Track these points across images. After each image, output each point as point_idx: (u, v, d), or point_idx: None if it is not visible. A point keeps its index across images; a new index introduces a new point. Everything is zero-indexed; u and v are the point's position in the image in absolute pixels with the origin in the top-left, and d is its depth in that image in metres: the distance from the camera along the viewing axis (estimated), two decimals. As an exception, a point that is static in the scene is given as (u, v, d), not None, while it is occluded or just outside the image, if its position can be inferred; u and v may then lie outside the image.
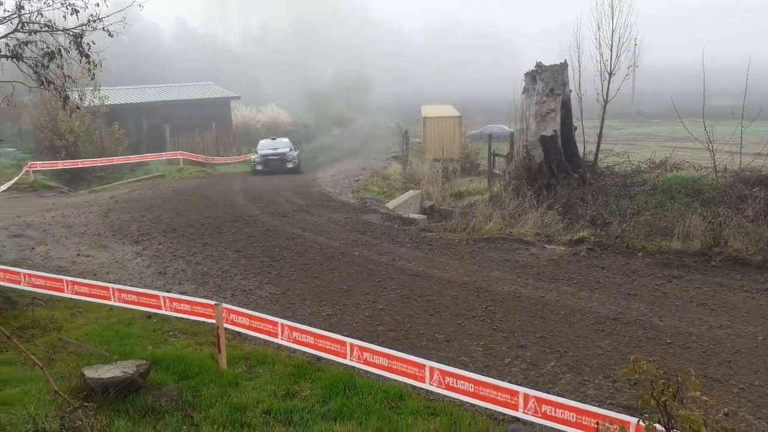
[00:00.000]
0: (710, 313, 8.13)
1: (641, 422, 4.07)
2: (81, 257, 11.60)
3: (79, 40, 8.09)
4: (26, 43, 7.94)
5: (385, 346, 6.03)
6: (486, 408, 5.40)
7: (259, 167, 27.64)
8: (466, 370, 5.82)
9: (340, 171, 26.10)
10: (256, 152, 28.79)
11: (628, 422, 4.53)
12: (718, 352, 6.91)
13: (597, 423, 4.56)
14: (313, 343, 6.21)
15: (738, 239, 10.35)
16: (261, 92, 60.35)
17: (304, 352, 6.46)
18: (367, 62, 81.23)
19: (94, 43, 8.21)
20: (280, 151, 28.32)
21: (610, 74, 17.13)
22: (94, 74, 8.47)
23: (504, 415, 5.36)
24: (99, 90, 26.23)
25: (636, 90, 51.71)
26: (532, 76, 17.47)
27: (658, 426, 4.00)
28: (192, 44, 76.39)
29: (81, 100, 22.24)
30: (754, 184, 12.88)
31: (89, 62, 8.17)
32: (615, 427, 4.29)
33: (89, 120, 26.99)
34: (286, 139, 31.27)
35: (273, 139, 30.94)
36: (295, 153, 28.80)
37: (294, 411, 5.41)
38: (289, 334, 6.31)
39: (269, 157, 27.83)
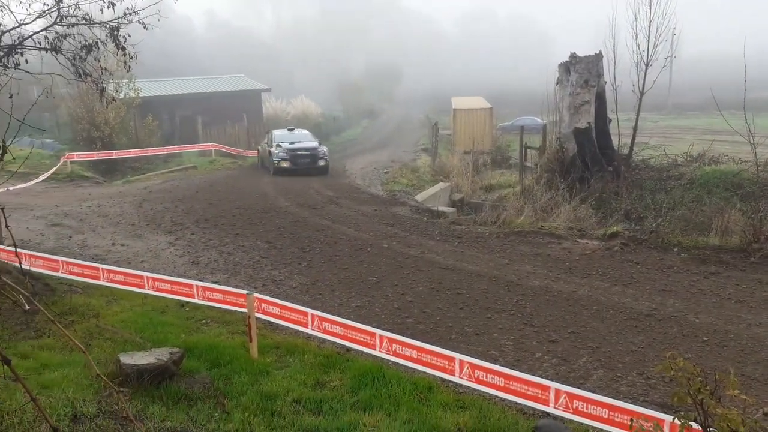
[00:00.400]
0: (749, 310, 7.90)
1: (677, 420, 3.97)
2: (116, 246, 11.87)
3: (115, 32, 8.23)
4: (65, 36, 8.13)
5: (413, 339, 6.03)
6: (516, 402, 5.37)
7: (285, 164, 22.47)
8: (496, 364, 5.78)
9: (369, 163, 26.10)
10: (275, 144, 23.49)
11: (663, 420, 4.43)
12: (756, 351, 6.71)
13: (631, 420, 4.48)
14: (342, 333, 6.25)
15: (779, 235, 10.01)
16: (292, 84, 60.74)
17: (333, 343, 6.50)
18: (398, 53, 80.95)
19: (129, 36, 8.35)
20: (309, 145, 23.49)
21: (647, 65, 16.70)
22: (129, 67, 8.61)
23: (534, 410, 5.29)
24: (134, 82, 26.72)
25: (673, 82, 50.36)
26: (566, 68, 17.15)
27: (694, 424, 3.90)
28: (224, 37, 77.20)
29: (116, 92, 22.70)
30: (797, 178, 12.44)
31: (125, 55, 8.32)
32: (650, 424, 4.19)
33: (124, 112, 27.55)
34: (306, 131, 26.36)
35: (291, 130, 25.85)
36: (325, 148, 24.16)
37: (323, 401, 5.45)
38: (319, 325, 6.36)
39: (298, 152, 22.83)
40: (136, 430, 4.52)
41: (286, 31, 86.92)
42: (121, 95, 25.54)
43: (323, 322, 6.31)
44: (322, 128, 42.60)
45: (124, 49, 8.31)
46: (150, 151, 28.42)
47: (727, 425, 3.76)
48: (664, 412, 4.87)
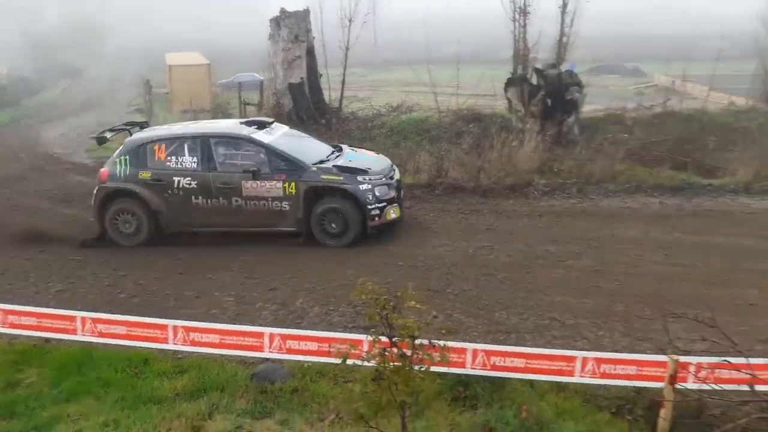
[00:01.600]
0: (434, 235, 9.34)
1: (369, 337, 4.56)
2: None
3: None
4: None
5: (129, 314, 5.69)
6: (236, 355, 5.51)
7: None
8: (217, 322, 5.84)
9: (71, 129, 23.03)
10: None
11: (361, 340, 5.01)
12: (437, 267, 8.03)
13: (329, 346, 5.00)
14: (36, 324, 5.57)
15: (456, 170, 11.93)
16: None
17: (27, 336, 5.76)
18: (101, 5, 71.83)
19: None
20: None
21: (350, 21, 17.92)
22: None
23: (253, 358, 5.51)
24: None
25: (378, 39, 54.97)
26: (277, 22, 17.41)
27: (383, 338, 4.51)
28: None
29: None
30: (469, 121, 14.92)
31: None
32: (345, 346, 4.69)
33: None
34: None
35: None
36: None
37: (17, 402, 4.86)
38: (3, 319, 5.56)
39: None
40: None
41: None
42: None
43: (8, 315, 5.53)
44: (7, 91, 35.94)
45: None
46: None
47: (406, 332, 4.44)
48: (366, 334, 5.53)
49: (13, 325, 5.57)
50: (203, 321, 5.78)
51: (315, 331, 5.59)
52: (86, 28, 65.63)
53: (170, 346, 5.44)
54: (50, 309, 5.69)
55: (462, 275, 7.76)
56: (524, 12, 18.02)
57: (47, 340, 5.85)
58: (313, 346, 5.32)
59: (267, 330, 5.41)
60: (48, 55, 53.96)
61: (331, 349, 4.83)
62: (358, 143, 14.64)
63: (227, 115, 24.37)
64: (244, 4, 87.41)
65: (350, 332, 6.10)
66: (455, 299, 7.10)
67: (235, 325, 5.64)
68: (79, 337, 5.48)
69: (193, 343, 5.41)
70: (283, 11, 17.81)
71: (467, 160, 12.05)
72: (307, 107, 16.90)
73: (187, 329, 5.42)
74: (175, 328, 5.43)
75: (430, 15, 17.10)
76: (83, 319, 5.51)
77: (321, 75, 18.23)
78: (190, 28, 73.32)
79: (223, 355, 5.58)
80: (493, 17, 19.45)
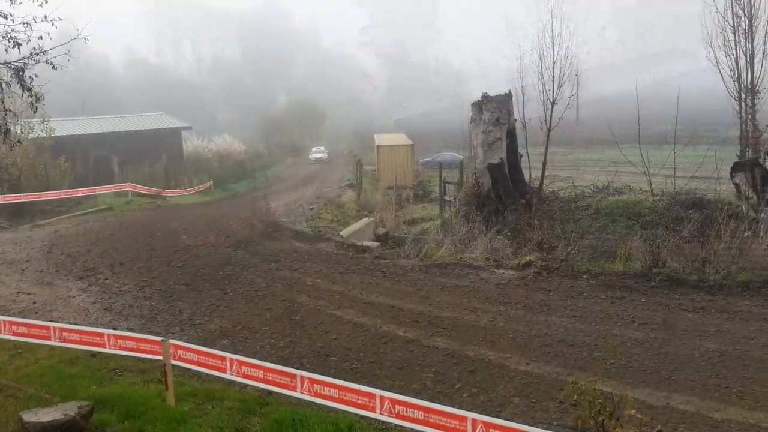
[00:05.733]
0: (651, 331, 8.47)
1: (580, 441, 4.22)
2: (22, 295, 11.15)
3: (20, 73, 7.94)
4: (-35, 77, 7.76)
5: (338, 378, 6.04)
6: (436, 435, 5.46)
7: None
8: (418, 398, 5.89)
9: (294, 200, 26.02)
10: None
11: (570, 442, 4.66)
12: (657, 371, 7.20)
13: (539, 444, 4.70)
14: (262, 377, 6.17)
15: (675, 260, 10.84)
16: (214, 122, 59.81)
17: (254, 387, 6.40)
18: (321, 91, 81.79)
19: (37, 76, 8.07)
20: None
21: (553, 103, 17.86)
22: (36, 108, 8.30)
23: (453, 440, 5.39)
24: (47, 122, 25.48)
25: (580, 117, 53.76)
26: (479, 107, 18.01)
27: (597, 444, 4.15)
28: (143, 74, 75.39)
29: (24, 133, 21.51)
30: (688, 206, 13.57)
31: (31, 96, 8.03)
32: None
33: (33, 153, 26.18)
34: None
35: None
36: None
37: (243, 447, 5.34)
38: (238, 369, 6.26)
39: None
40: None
41: (206, 69, 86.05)
42: (32, 135, 24.28)
43: (242, 366, 6.21)
44: (245, 165, 42.11)
45: (30, 89, 8.02)
46: (62, 193, 27.00)
47: (626, 444, 4.03)
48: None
49: (245, 376, 6.24)
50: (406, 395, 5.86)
51: (521, 425, 5.32)
52: (308, 112, 74.78)
53: (376, 415, 5.60)
54: (275, 365, 6.25)
55: (688, 383, 6.85)
56: (753, 91, 16.40)
57: (270, 392, 6.43)
58: (518, 438, 5.07)
59: (470, 415, 5.30)
60: (277, 134, 62.35)
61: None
62: (560, 224, 14.21)
63: (428, 193, 25.58)
64: (444, 87, 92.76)
65: (554, 429, 5.71)
66: (679, 416, 6.23)
67: (438, 405, 5.62)
68: (297, 394, 5.92)
69: (398, 416, 5.50)
70: (485, 96, 18.41)
71: (688, 249, 10.90)
72: (507, 187, 16.92)
73: (393, 401, 5.54)
74: (381, 398, 5.59)
75: (639, 92, 16.27)
76: (302, 377, 5.97)
77: (521, 155, 18.26)
78: (394, 110, 79.69)
79: (423, 433, 5.56)
80: (711, 95, 17.96)
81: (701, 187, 15.17)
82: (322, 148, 50.96)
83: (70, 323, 8.60)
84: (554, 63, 17.58)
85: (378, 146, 33.93)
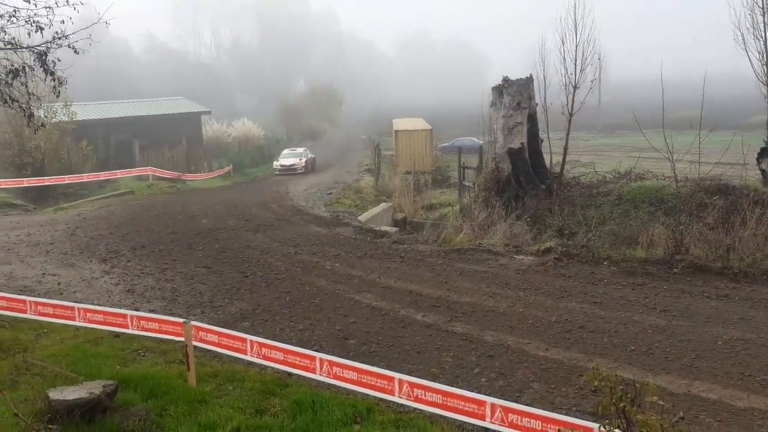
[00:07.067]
0: (672, 318, 8.37)
1: (602, 428, 4.19)
2: (47, 276, 11.37)
3: (43, 57, 8.02)
4: (-11, 61, 7.86)
5: (356, 361, 6.07)
6: (454, 419, 5.47)
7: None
8: (436, 381, 5.89)
9: (312, 185, 26.11)
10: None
11: (591, 428, 4.64)
12: (679, 357, 7.12)
13: (559, 430, 4.69)
14: (282, 358, 6.22)
15: (699, 247, 10.67)
16: (233, 106, 60.05)
17: (274, 368, 6.46)
18: (339, 76, 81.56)
19: (59, 60, 8.15)
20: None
21: (575, 87, 17.56)
22: (59, 92, 8.39)
23: (473, 425, 5.42)
24: (69, 106, 25.82)
25: (602, 102, 52.99)
26: (499, 91, 17.79)
27: (617, 431, 4.12)
28: (163, 59, 75.78)
29: (47, 117, 21.83)
30: (713, 192, 13.30)
31: (54, 80, 8.11)
32: (577, 432, 4.39)
33: (56, 137, 26.55)
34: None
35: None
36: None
37: (263, 428, 5.41)
38: (258, 351, 6.32)
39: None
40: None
41: (225, 54, 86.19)
42: (56, 119, 24.63)
43: (263, 348, 6.27)
44: (264, 150, 42.26)
45: (53, 74, 8.10)
46: (85, 177, 27.43)
47: (647, 430, 4.00)
48: (594, 421, 5.09)
49: (265, 357, 6.30)
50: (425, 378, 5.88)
51: (540, 410, 5.30)
52: (325, 97, 74.73)
53: (395, 398, 5.62)
54: (295, 347, 6.30)
55: (710, 371, 6.76)
56: (781, 74, 15.92)
57: (289, 374, 6.49)
58: (535, 424, 5.05)
59: (489, 399, 5.29)
60: (295, 120, 62.43)
61: (561, 433, 4.53)
62: (581, 210, 14.04)
63: (446, 178, 25.46)
64: (461, 75, 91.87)
65: (574, 415, 5.67)
66: (701, 403, 6.16)
67: (457, 389, 5.62)
68: (317, 376, 5.97)
69: (416, 399, 5.52)
70: (506, 79, 18.16)
71: (712, 236, 10.71)
72: (527, 172, 16.75)
73: (412, 385, 5.55)
74: (400, 381, 5.60)
75: (663, 77, 15.89)
76: (321, 360, 6.01)
77: (542, 140, 18.05)
78: (413, 94, 79.21)
79: (442, 416, 5.59)
80: (738, 78, 17.50)
81: (727, 173, 14.85)
82: (301, 150, 35.37)
83: (94, 304, 8.75)
84: (577, 46, 17.26)
85: (396, 131, 33.80)
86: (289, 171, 32.35)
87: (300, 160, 33.29)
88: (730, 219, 11.29)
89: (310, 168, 33.18)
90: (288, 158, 33.72)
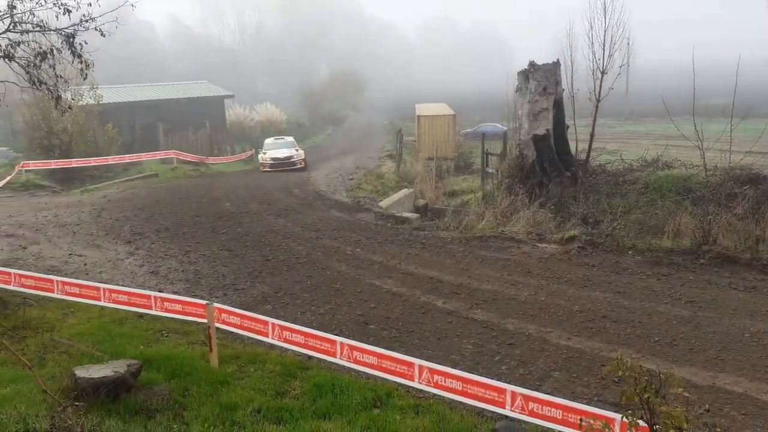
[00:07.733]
0: (698, 309, 8.21)
1: (625, 419, 4.13)
2: (73, 257, 11.60)
3: (71, 40, 8.10)
4: (18, 43, 7.95)
5: (376, 345, 6.08)
6: (474, 406, 5.46)
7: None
8: (456, 368, 5.88)
9: (333, 170, 26.10)
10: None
11: (613, 419, 4.58)
12: (705, 350, 6.99)
13: (581, 419, 4.64)
14: (303, 342, 6.25)
15: (727, 237, 10.43)
16: (256, 91, 60.26)
17: (295, 351, 6.50)
18: (362, 60, 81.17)
19: (86, 43, 8.23)
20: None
21: (603, 73, 17.17)
22: (86, 74, 8.47)
23: (492, 412, 5.40)
24: (96, 89, 26.15)
25: (630, 89, 51.85)
26: (525, 75, 17.49)
27: (641, 422, 4.05)
28: (187, 43, 76.22)
29: (74, 100, 22.19)
30: (743, 182, 12.96)
31: (81, 62, 8.19)
32: (599, 423, 4.35)
33: (83, 119, 26.94)
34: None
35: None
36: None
37: (284, 409, 5.45)
38: (279, 333, 6.36)
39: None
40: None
41: (249, 38, 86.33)
42: (82, 102, 24.98)
43: (284, 331, 6.31)
44: (286, 134, 42.37)
45: (80, 56, 8.18)
46: (110, 159, 27.83)
47: (672, 422, 3.93)
48: (616, 412, 5.04)
49: (286, 340, 6.34)
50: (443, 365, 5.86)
51: (561, 399, 5.26)
52: (348, 82, 74.43)
53: (414, 384, 5.61)
54: (316, 331, 6.32)
55: (736, 364, 6.63)
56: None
57: (310, 357, 6.53)
58: (556, 413, 5.01)
59: (509, 387, 5.26)
60: (317, 105, 62.47)
61: (583, 423, 4.48)
62: (606, 198, 13.81)
63: (469, 164, 25.22)
64: (485, 60, 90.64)
65: (595, 405, 5.61)
66: (726, 396, 6.05)
67: (477, 376, 5.59)
68: (337, 360, 5.99)
69: (436, 386, 5.50)
70: (532, 64, 17.85)
71: (741, 227, 10.45)
72: (552, 159, 16.50)
73: (432, 371, 5.54)
74: (420, 367, 5.60)
75: (695, 64, 15.39)
76: (342, 344, 6.03)
77: (568, 126, 17.75)
78: (437, 79, 78.51)
79: (461, 403, 5.57)
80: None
81: (759, 162, 14.46)
82: (290, 139, 29.28)
83: (119, 285, 8.90)
84: (605, 30, 16.86)
85: (418, 116, 33.56)
86: (284, 165, 26.32)
87: (297, 150, 27.48)
88: (760, 209, 11.01)
89: (299, 162, 26.92)
90: (281, 149, 27.57)
